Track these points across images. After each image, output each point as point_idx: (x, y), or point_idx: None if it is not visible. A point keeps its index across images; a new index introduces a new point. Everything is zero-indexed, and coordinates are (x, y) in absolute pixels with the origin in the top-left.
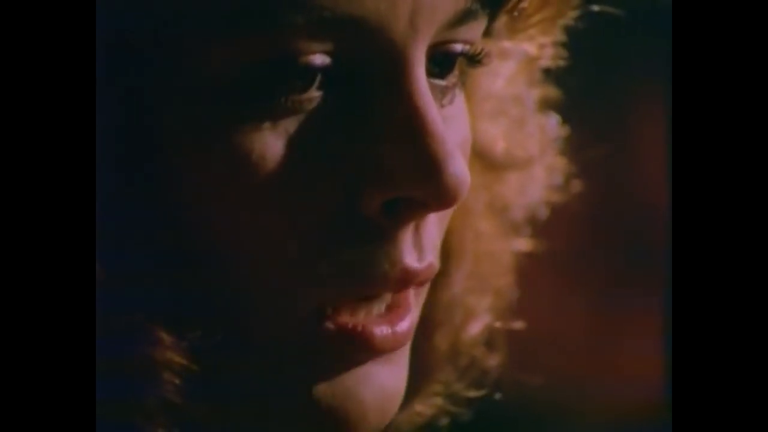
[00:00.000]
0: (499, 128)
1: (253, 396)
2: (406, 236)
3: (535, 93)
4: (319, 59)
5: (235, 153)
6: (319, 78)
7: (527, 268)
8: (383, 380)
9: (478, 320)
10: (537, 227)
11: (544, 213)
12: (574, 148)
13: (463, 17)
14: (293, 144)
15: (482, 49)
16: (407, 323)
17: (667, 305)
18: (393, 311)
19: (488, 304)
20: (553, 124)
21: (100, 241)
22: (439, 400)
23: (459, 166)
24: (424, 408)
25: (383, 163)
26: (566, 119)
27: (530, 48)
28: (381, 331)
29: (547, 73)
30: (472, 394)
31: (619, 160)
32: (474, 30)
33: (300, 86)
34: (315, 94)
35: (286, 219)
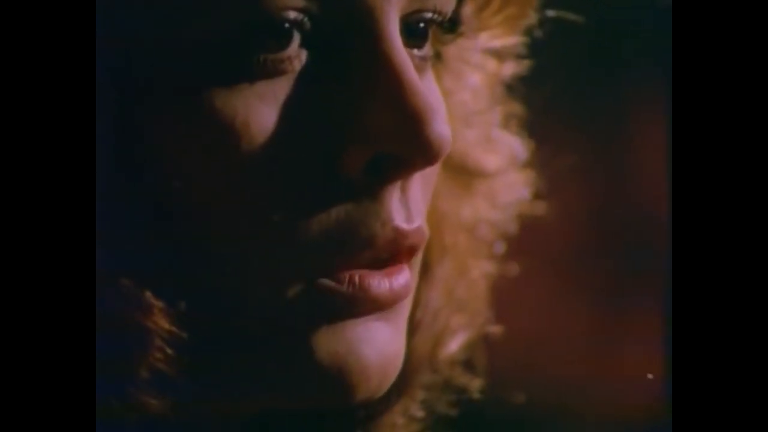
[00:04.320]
0: (470, 136)
1: (252, 361)
2: (393, 197)
3: (503, 107)
4: (293, 15)
5: (219, 117)
6: (295, 37)
7: (526, 273)
8: (383, 339)
9: (456, 337)
10: (529, 240)
11: (514, 228)
12: (576, 152)
13: None
14: (275, 107)
15: (454, 15)
16: (404, 278)
17: (667, 308)
18: (388, 268)
19: (464, 320)
20: (520, 138)
21: (99, 224)
22: (420, 413)
23: (440, 120)
24: (404, 421)
25: (364, 121)
26: (567, 124)
27: (493, 62)
28: (378, 282)
29: (511, 88)
30: (452, 412)
31: (620, 164)
32: (444, 1)
33: (276, 45)
34: (292, 53)
35: (272, 183)
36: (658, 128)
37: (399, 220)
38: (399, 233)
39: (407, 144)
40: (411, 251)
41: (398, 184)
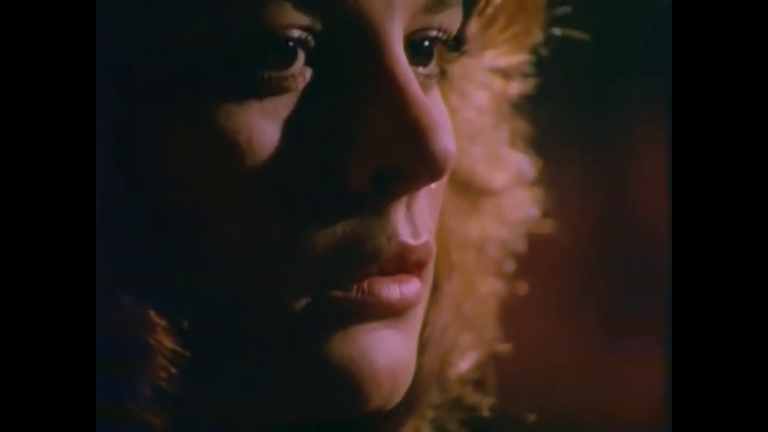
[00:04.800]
0: (476, 153)
1: (261, 371)
2: (399, 211)
3: (509, 125)
4: (297, 33)
5: (223, 134)
6: (299, 55)
7: (526, 297)
8: (394, 346)
9: (465, 356)
10: (533, 256)
11: (522, 247)
12: (574, 173)
13: (438, 3)
14: (279, 123)
15: (459, 33)
16: (414, 286)
17: (668, 332)
18: (398, 276)
19: (473, 339)
20: (527, 156)
21: (99, 232)
22: None
23: (445, 134)
24: None
25: (369, 136)
26: (565, 145)
27: (499, 81)
28: (387, 288)
29: (517, 106)
30: (462, 430)
31: (619, 187)
32: (449, 18)
33: (281, 62)
34: (296, 71)
35: (277, 198)
36: (658, 151)
37: (405, 235)
38: (405, 248)
39: (411, 158)
40: (418, 267)
41: (404, 200)
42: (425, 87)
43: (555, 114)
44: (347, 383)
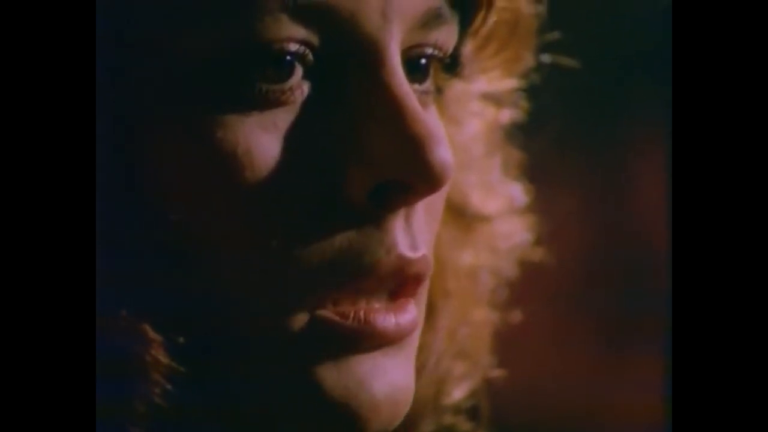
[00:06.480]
0: (469, 180)
1: (256, 396)
2: (398, 224)
3: (502, 152)
4: (294, 47)
5: (221, 146)
6: (297, 69)
7: (525, 321)
8: (393, 373)
9: (460, 385)
10: (531, 280)
11: (516, 274)
12: (576, 195)
13: (433, 18)
14: (277, 136)
15: (455, 53)
16: (410, 314)
17: (668, 349)
18: (394, 304)
19: (467, 367)
20: (520, 183)
21: (99, 242)
22: None
23: (442, 146)
24: None
25: (367, 148)
26: (566, 162)
27: (492, 109)
28: (383, 318)
29: (510, 134)
30: None
31: (619, 202)
32: (444, 34)
33: (278, 76)
34: (294, 84)
35: (275, 211)
36: (657, 167)
37: (403, 247)
38: (404, 261)
39: (409, 169)
40: (417, 281)
41: (402, 213)
42: (422, 103)
43: (552, 136)
44: (346, 412)
